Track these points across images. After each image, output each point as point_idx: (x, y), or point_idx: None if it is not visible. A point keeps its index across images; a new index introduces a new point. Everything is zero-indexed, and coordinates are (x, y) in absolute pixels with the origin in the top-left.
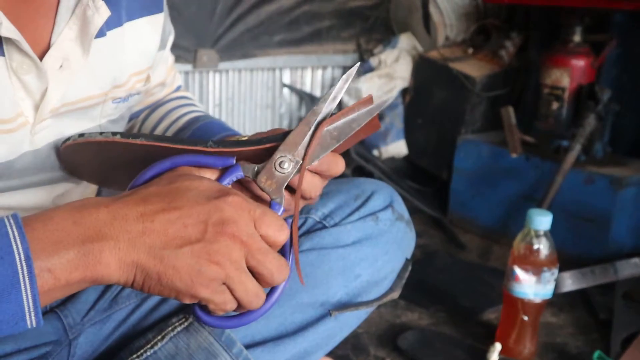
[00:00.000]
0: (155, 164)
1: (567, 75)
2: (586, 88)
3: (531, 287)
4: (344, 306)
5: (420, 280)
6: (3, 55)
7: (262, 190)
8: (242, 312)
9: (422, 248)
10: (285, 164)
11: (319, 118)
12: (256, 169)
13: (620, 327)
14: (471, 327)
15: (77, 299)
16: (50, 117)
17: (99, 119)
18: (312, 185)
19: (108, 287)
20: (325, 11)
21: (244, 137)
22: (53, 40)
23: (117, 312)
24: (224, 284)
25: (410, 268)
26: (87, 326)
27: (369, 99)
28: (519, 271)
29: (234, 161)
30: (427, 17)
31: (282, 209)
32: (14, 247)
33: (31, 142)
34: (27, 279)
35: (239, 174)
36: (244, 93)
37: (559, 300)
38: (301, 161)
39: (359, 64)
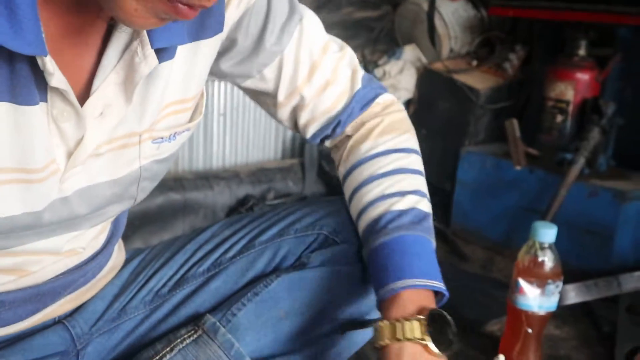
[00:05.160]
0: None
1: (571, 89)
2: (590, 102)
3: (535, 299)
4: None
5: None
6: (45, 101)
7: None
8: None
9: None
10: None
11: None
12: None
13: (624, 341)
14: (474, 338)
15: (85, 309)
16: (80, 164)
17: (140, 161)
18: None
19: (116, 297)
20: (330, 22)
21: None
22: (96, 85)
23: (125, 322)
24: None
25: None
26: (96, 336)
27: None
28: (523, 283)
29: None
30: (431, 29)
31: None
32: None
33: (60, 190)
34: None
35: None
36: (249, 102)
37: (562, 313)
38: None
39: None
